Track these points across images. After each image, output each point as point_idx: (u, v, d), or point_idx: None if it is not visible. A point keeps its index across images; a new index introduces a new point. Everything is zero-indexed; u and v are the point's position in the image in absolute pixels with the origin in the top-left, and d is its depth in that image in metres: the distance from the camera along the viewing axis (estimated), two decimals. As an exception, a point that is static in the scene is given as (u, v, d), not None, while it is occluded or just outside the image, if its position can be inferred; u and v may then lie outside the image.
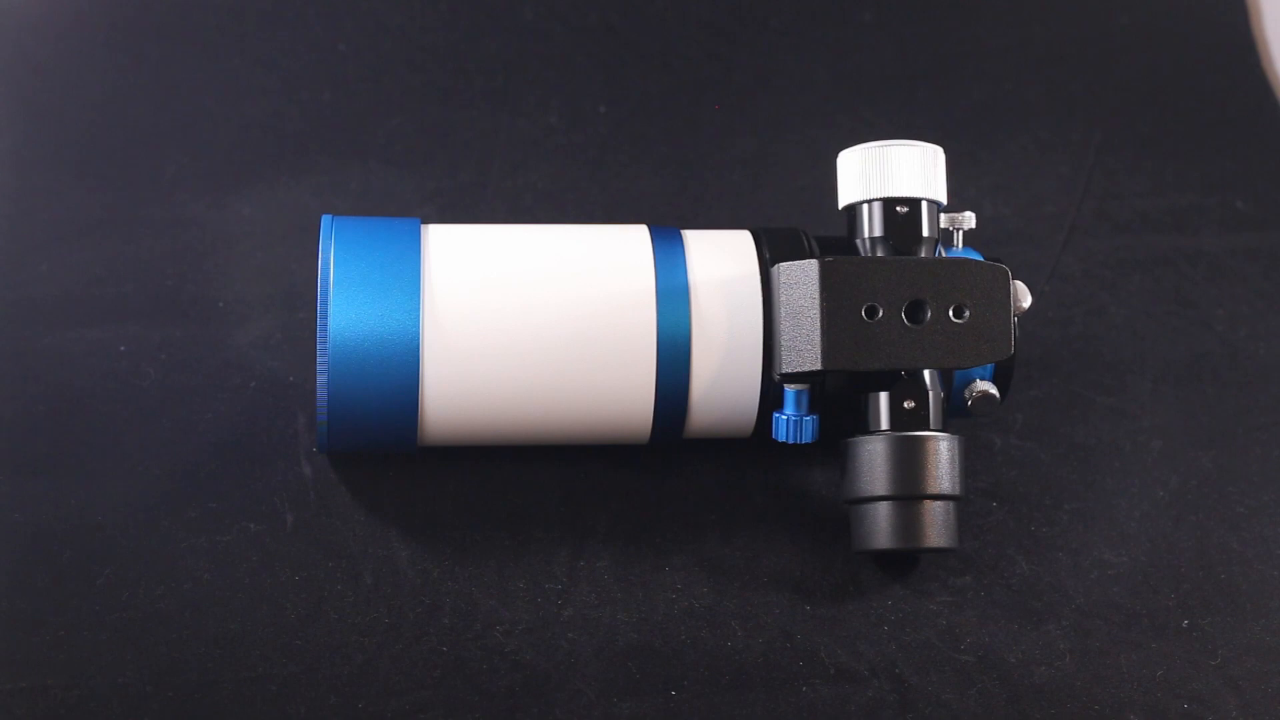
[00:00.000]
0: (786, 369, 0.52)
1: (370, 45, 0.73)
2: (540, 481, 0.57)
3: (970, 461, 0.58)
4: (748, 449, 0.59)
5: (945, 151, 0.55)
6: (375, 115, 0.71)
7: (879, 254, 0.54)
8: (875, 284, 0.51)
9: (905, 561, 0.55)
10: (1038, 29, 0.80)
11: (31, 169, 0.67)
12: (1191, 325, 0.66)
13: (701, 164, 0.71)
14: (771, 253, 0.54)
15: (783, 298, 0.52)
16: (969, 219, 0.55)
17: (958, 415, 0.55)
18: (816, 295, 0.51)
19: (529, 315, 0.52)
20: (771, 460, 0.58)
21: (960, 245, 0.56)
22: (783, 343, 0.52)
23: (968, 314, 0.52)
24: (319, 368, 0.51)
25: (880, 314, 0.51)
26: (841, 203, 0.55)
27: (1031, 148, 0.74)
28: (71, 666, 0.50)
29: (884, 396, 0.53)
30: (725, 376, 0.53)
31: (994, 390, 0.54)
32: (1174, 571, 0.56)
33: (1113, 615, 0.54)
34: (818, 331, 0.51)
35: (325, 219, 0.53)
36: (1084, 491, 0.59)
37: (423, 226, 0.54)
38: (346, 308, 0.51)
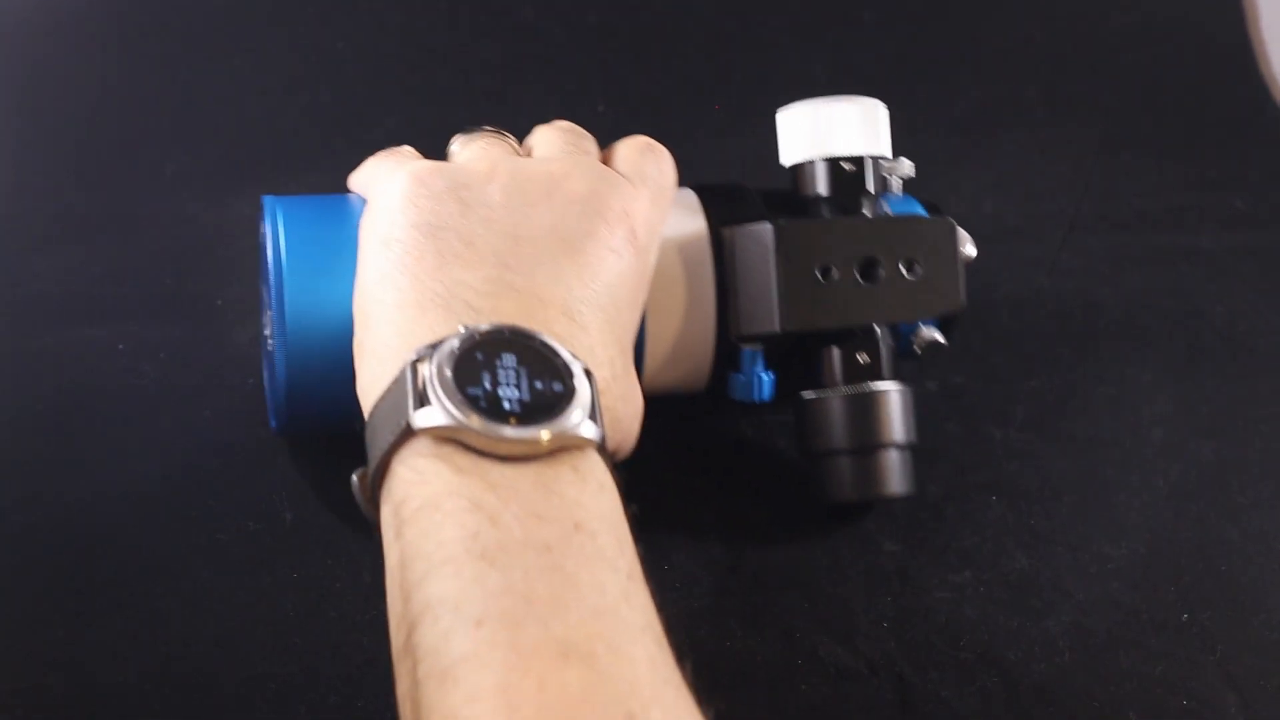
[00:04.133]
0: (745, 331, 0.53)
1: (370, 45, 0.73)
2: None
3: (970, 455, 0.59)
4: (747, 440, 0.59)
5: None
6: (375, 115, 0.71)
7: (826, 211, 0.55)
8: (828, 245, 0.52)
9: (862, 510, 0.56)
10: (1037, 29, 0.80)
11: (31, 167, 0.67)
12: (1191, 320, 0.67)
13: (701, 163, 0.71)
14: (718, 211, 0.54)
15: (738, 261, 0.53)
16: (907, 166, 0.56)
17: (906, 359, 0.57)
18: (771, 259, 0.52)
19: None
20: (772, 456, 0.59)
21: (899, 192, 0.57)
22: (740, 305, 0.53)
23: (918, 268, 0.53)
24: (274, 350, 0.51)
25: (834, 274, 0.52)
26: (785, 161, 0.56)
27: (1031, 146, 0.74)
28: (71, 665, 0.50)
29: (837, 352, 0.54)
30: (680, 334, 0.54)
31: (941, 337, 0.56)
32: (1174, 565, 0.56)
33: (1112, 611, 0.54)
34: (774, 295, 0.51)
35: (268, 200, 0.53)
36: (1083, 484, 0.59)
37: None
38: (301, 291, 0.51)
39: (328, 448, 0.57)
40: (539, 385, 0.40)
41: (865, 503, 0.56)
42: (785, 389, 0.55)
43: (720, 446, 0.59)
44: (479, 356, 0.41)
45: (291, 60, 0.72)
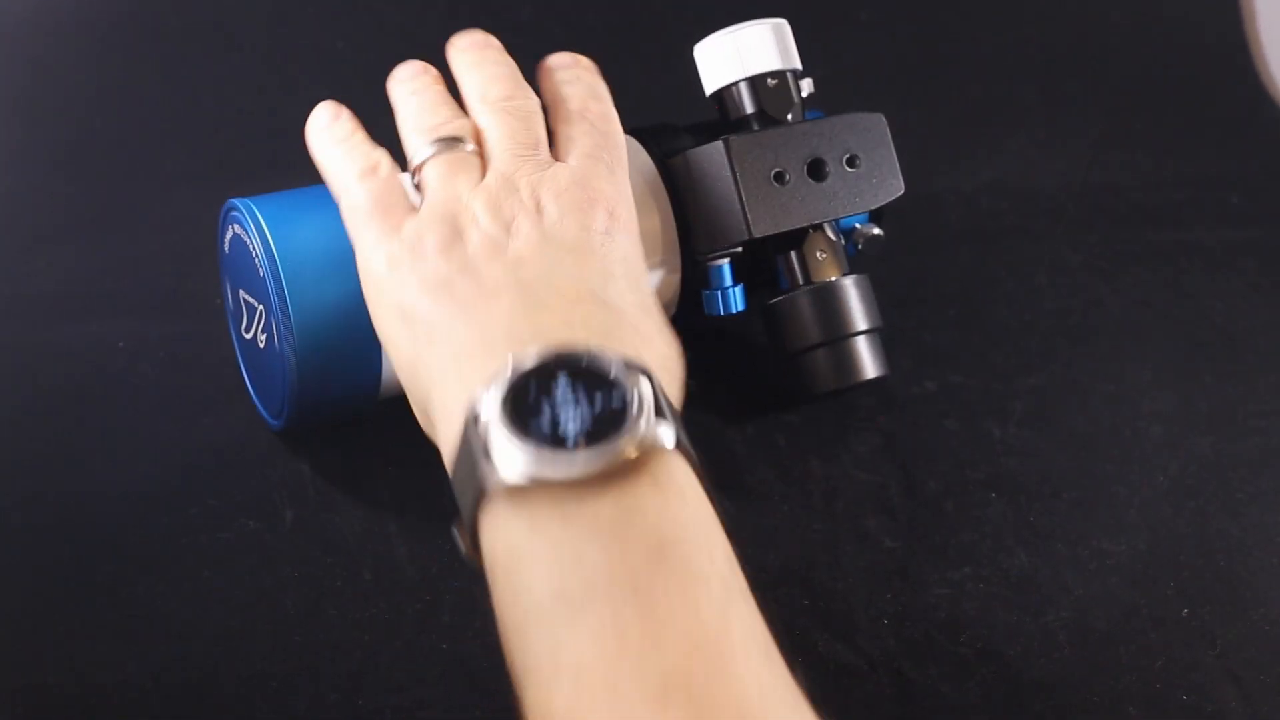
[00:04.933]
0: (716, 246, 0.56)
1: (370, 45, 0.73)
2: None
3: (969, 452, 0.59)
4: (746, 438, 0.59)
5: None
6: (375, 115, 0.71)
7: (759, 126, 0.58)
8: (777, 151, 0.56)
9: (838, 398, 0.59)
10: (1034, 27, 0.80)
11: (31, 165, 0.67)
12: (1189, 316, 0.67)
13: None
14: (659, 147, 0.58)
15: (694, 183, 0.56)
16: (808, 84, 0.59)
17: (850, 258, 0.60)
18: (730, 173, 0.55)
19: None
20: (771, 455, 0.59)
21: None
22: (704, 222, 0.56)
23: (860, 162, 0.57)
24: (277, 348, 0.52)
25: (788, 177, 0.56)
26: (709, 90, 0.59)
27: (1028, 144, 0.75)
28: (72, 664, 0.50)
29: (795, 254, 0.57)
30: (648, 264, 0.56)
31: (879, 231, 0.59)
32: (1173, 560, 0.56)
33: (1111, 607, 0.54)
34: (740, 205, 0.55)
35: (240, 203, 0.53)
36: (1082, 480, 0.59)
37: None
38: (300, 281, 0.51)
39: (328, 447, 0.57)
40: (598, 402, 0.39)
41: (844, 390, 0.59)
42: (749, 304, 0.58)
43: (718, 446, 0.59)
44: (532, 388, 0.40)
45: (291, 60, 0.72)
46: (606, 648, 0.35)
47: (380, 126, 0.71)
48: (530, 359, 0.40)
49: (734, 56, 0.58)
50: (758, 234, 0.55)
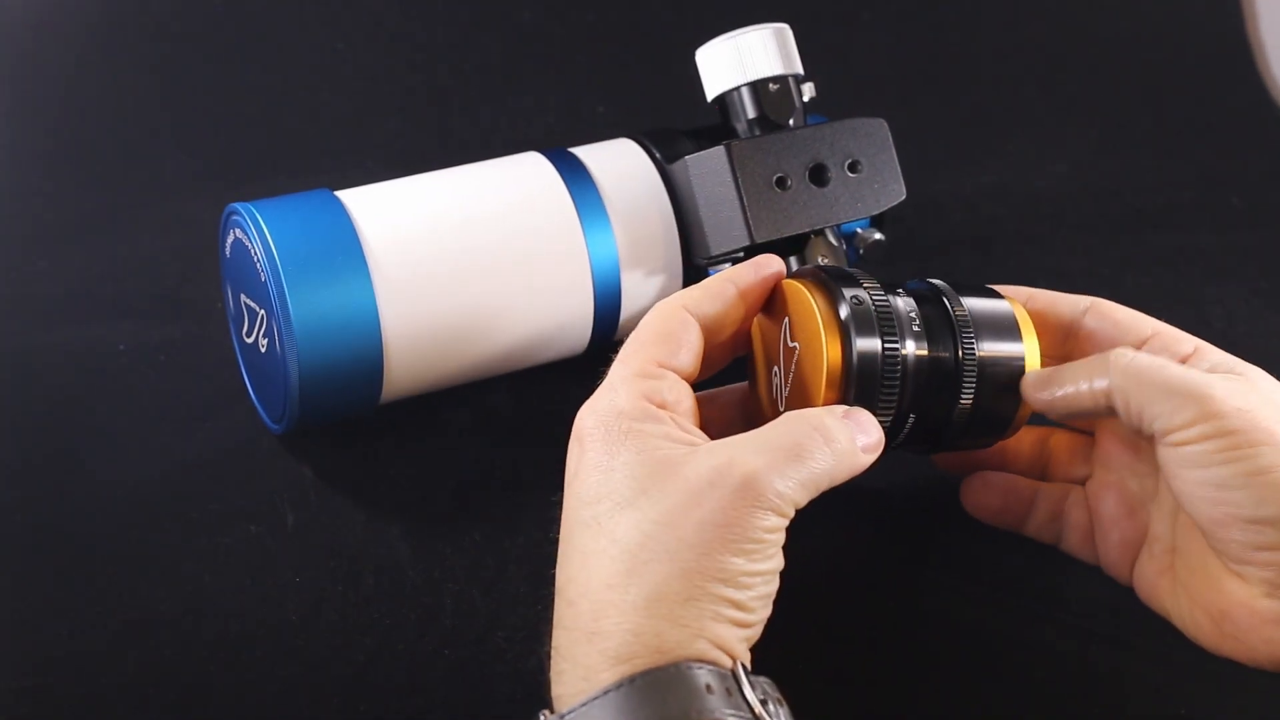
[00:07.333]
0: (715, 251, 0.56)
1: (370, 45, 0.73)
2: (545, 483, 0.57)
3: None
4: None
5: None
6: (375, 115, 0.71)
7: (761, 131, 0.58)
8: (779, 157, 0.56)
9: None
10: (1035, 30, 0.80)
11: (32, 167, 0.67)
12: (1190, 323, 0.66)
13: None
14: (661, 152, 0.59)
15: (695, 189, 0.56)
16: (810, 88, 0.59)
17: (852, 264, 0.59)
18: (731, 178, 0.55)
19: (465, 254, 0.54)
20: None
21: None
22: (706, 228, 0.56)
23: (862, 167, 0.57)
24: (279, 353, 0.52)
25: (790, 182, 0.56)
26: (711, 95, 0.59)
27: (1029, 148, 0.75)
28: (73, 667, 0.50)
29: (795, 261, 0.57)
30: (649, 269, 0.57)
31: (880, 235, 0.60)
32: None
33: (1110, 614, 0.54)
34: (741, 210, 0.55)
35: (242, 208, 0.53)
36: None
37: (336, 193, 0.55)
38: (302, 286, 0.51)
39: (330, 451, 0.57)
40: None
41: None
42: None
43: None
44: None
45: (291, 60, 0.72)
46: None
47: (382, 127, 0.71)
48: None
49: (735, 61, 0.58)
50: (759, 239, 0.55)
